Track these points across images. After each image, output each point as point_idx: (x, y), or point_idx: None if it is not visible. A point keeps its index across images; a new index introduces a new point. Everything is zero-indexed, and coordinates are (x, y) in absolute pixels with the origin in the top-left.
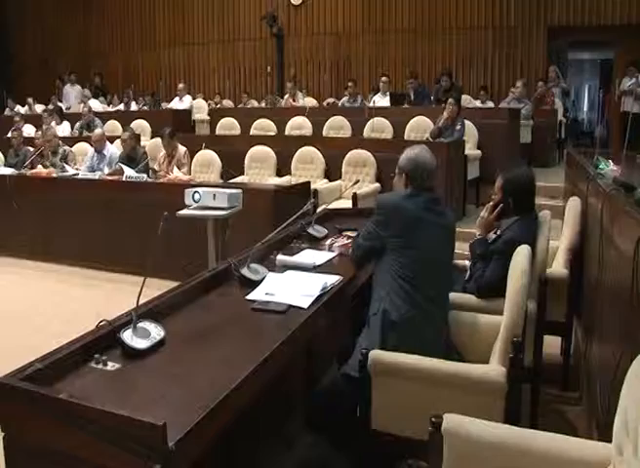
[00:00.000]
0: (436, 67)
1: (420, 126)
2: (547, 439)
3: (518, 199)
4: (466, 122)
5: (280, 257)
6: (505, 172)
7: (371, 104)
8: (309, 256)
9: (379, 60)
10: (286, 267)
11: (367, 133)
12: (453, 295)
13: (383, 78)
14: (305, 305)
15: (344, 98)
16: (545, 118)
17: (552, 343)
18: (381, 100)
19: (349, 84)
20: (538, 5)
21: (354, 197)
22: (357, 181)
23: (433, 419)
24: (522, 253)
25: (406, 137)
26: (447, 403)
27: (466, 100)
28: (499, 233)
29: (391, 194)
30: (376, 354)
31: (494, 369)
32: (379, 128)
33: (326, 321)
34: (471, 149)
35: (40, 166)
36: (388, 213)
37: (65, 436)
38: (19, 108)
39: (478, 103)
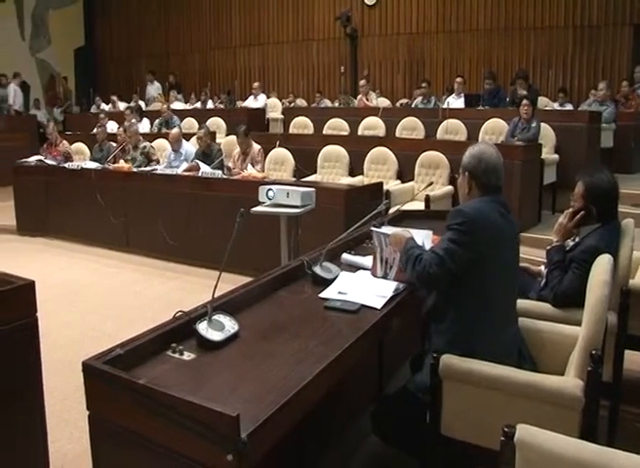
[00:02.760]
0: (512, 68)
1: (495, 128)
2: (628, 459)
3: (600, 206)
4: (544, 125)
5: (345, 256)
6: (586, 177)
7: (445, 105)
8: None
9: (453, 61)
10: (351, 266)
11: (440, 134)
12: (527, 303)
13: (458, 79)
14: (379, 306)
15: (418, 99)
16: (629, 121)
17: (634, 359)
18: (456, 102)
19: (423, 84)
20: (623, 2)
21: (427, 199)
22: (431, 183)
23: (506, 429)
24: (603, 262)
25: (480, 139)
26: (519, 413)
27: (544, 103)
28: (577, 241)
29: (471, 206)
30: (448, 359)
31: (570, 381)
32: (452, 129)
33: (398, 323)
34: (548, 153)
35: (122, 161)
36: (473, 229)
37: (143, 419)
38: (103, 106)
39: (556, 106)
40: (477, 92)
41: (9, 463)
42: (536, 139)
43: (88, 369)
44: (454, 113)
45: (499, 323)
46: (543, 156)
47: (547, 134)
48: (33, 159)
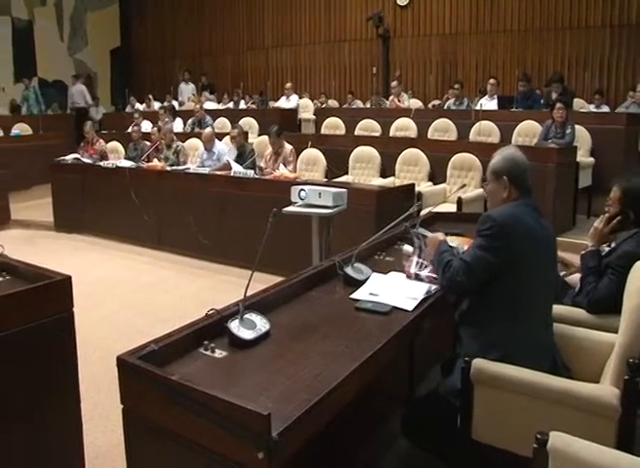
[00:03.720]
0: (547, 69)
1: (528, 130)
2: None
3: (638, 211)
4: (579, 127)
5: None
6: (623, 181)
7: (477, 107)
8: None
9: (486, 62)
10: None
11: (473, 136)
12: (561, 309)
13: (491, 80)
14: (410, 308)
15: (450, 101)
16: None
17: None
18: (489, 103)
19: (456, 86)
20: None
21: (459, 201)
22: (463, 185)
23: (538, 436)
24: None
25: (513, 142)
26: (553, 420)
27: (579, 105)
28: (613, 246)
29: (501, 211)
30: (479, 363)
31: (606, 389)
32: (485, 131)
33: (429, 325)
34: (583, 156)
35: (155, 159)
36: (503, 234)
37: (175, 415)
38: (138, 106)
39: (592, 108)
40: (510, 93)
41: (46, 454)
42: (571, 145)
43: (122, 363)
44: (486, 115)
45: (532, 328)
46: (578, 159)
47: (583, 136)
48: (70, 157)
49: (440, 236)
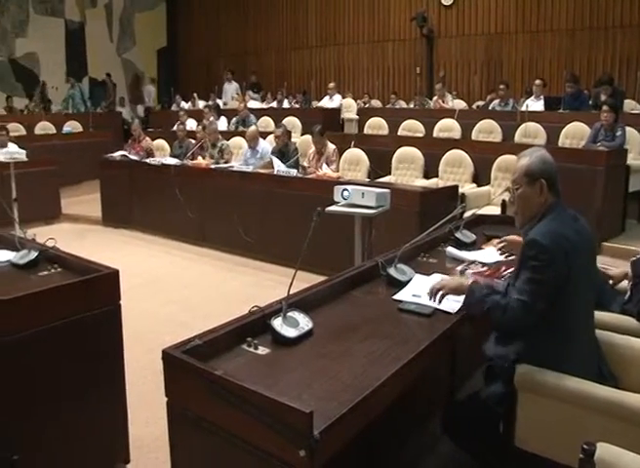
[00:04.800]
0: (596, 70)
1: (575, 132)
2: None
3: None
4: (630, 129)
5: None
6: None
7: (523, 108)
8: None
9: (532, 62)
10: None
11: (518, 138)
12: (610, 317)
13: (537, 81)
14: (453, 310)
15: (495, 102)
16: None
17: None
18: (535, 104)
19: (501, 86)
20: None
21: (503, 204)
22: (508, 188)
23: (585, 447)
24: None
25: (560, 144)
26: (599, 430)
27: (630, 106)
28: None
29: (547, 232)
30: (523, 369)
31: None
32: (531, 133)
33: (472, 329)
34: (635, 159)
35: (200, 157)
36: (553, 260)
37: (219, 409)
38: (183, 104)
39: None
40: (558, 94)
41: (93, 443)
42: (621, 148)
43: (167, 357)
44: (532, 116)
45: (575, 335)
46: (629, 162)
47: (634, 138)
48: (118, 154)
49: (464, 280)
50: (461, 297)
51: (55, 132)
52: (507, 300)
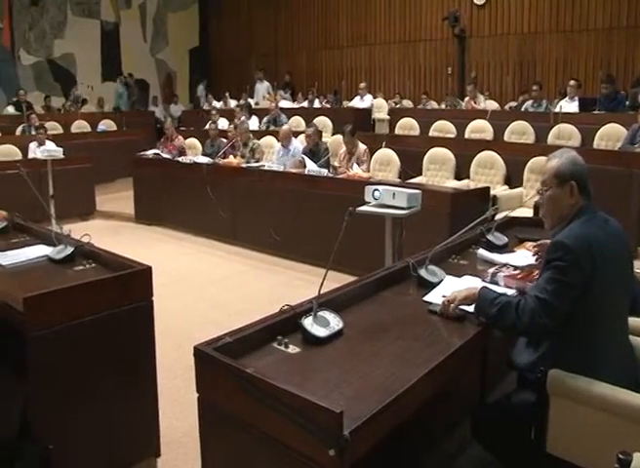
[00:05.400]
0: (634, 70)
1: (611, 134)
2: None
3: None
4: None
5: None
6: None
7: (557, 109)
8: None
9: (567, 63)
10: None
11: (551, 139)
12: None
13: (572, 82)
14: None
15: (528, 102)
16: None
17: None
18: (569, 105)
19: (534, 87)
20: None
21: (536, 206)
22: (538, 190)
23: (621, 456)
24: None
25: (595, 146)
26: (636, 440)
27: None
28: None
29: (573, 234)
30: (556, 374)
31: None
32: (565, 134)
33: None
34: None
35: (232, 156)
36: (578, 262)
37: (249, 407)
38: (215, 103)
39: None
40: (593, 95)
41: (125, 436)
42: None
43: (199, 354)
44: (567, 117)
45: (606, 341)
46: None
47: None
48: (151, 152)
49: (472, 289)
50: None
51: (90, 130)
52: (523, 298)
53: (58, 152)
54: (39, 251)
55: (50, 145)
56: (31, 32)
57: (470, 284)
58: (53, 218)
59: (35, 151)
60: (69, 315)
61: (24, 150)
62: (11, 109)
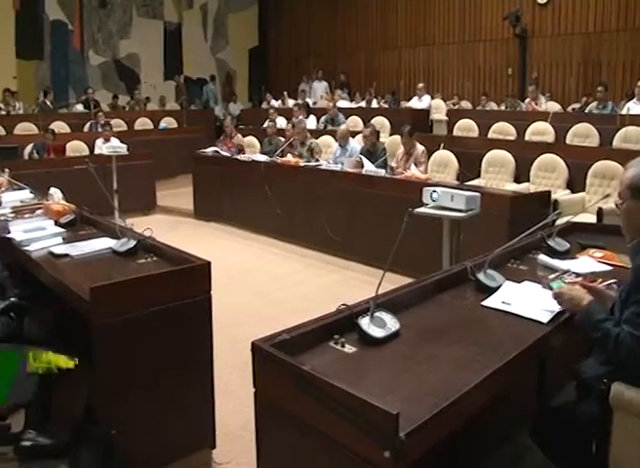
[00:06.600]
0: None
1: None
2: None
3: None
4: None
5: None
6: None
7: (624, 111)
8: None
9: (635, 63)
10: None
11: (617, 143)
12: None
13: None
14: (545, 320)
15: (593, 104)
16: None
17: None
18: (636, 107)
19: (599, 88)
20: None
21: (599, 212)
22: (607, 195)
23: None
24: None
25: None
26: None
27: None
28: None
29: None
30: (620, 387)
31: None
32: (632, 138)
33: (564, 341)
34: None
35: (289, 155)
36: None
37: (305, 404)
38: (273, 102)
39: None
40: None
41: (182, 426)
42: None
43: (256, 349)
44: (634, 120)
45: None
46: None
47: None
48: (210, 150)
49: (586, 295)
50: (554, 308)
51: (152, 127)
52: (619, 332)
53: (122, 148)
54: (104, 243)
55: (115, 142)
56: (99, 34)
57: (530, 290)
58: (117, 212)
59: (101, 147)
60: (132, 306)
61: (91, 146)
62: (80, 107)
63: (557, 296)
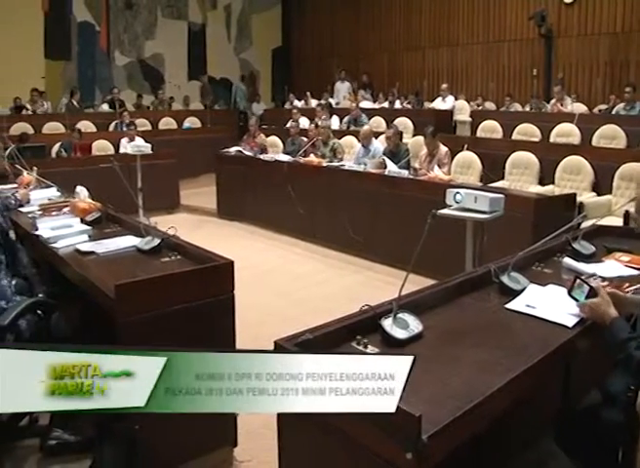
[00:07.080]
0: None
1: None
2: None
3: None
4: None
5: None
6: None
7: None
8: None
9: None
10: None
11: None
12: None
13: None
14: (570, 324)
15: (620, 105)
16: None
17: None
18: None
19: (627, 89)
20: None
21: (626, 215)
22: (634, 198)
23: None
24: None
25: None
26: None
27: None
28: None
29: None
30: None
31: None
32: None
33: (589, 345)
34: None
35: (312, 155)
36: None
37: None
38: (296, 102)
39: None
40: None
41: (204, 423)
42: None
43: (279, 348)
44: None
45: None
46: None
47: None
48: (233, 149)
49: (611, 310)
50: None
51: (176, 127)
52: None
53: (146, 148)
54: (128, 241)
55: (139, 141)
56: (125, 35)
57: (555, 293)
58: (141, 210)
59: (126, 146)
60: (156, 304)
61: (116, 145)
62: (105, 107)
63: (582, 310)
